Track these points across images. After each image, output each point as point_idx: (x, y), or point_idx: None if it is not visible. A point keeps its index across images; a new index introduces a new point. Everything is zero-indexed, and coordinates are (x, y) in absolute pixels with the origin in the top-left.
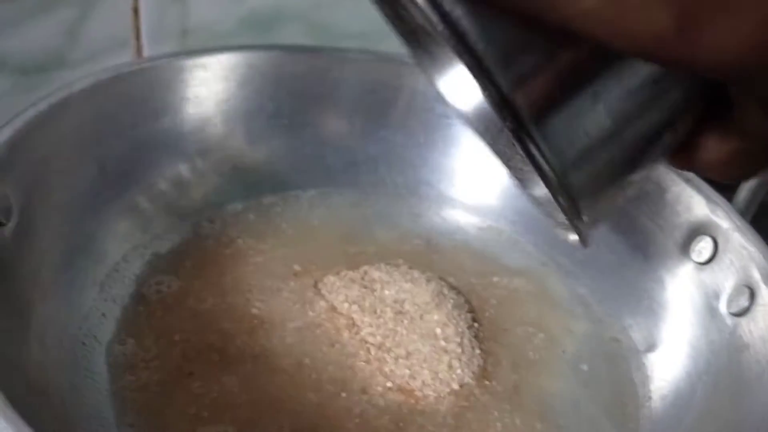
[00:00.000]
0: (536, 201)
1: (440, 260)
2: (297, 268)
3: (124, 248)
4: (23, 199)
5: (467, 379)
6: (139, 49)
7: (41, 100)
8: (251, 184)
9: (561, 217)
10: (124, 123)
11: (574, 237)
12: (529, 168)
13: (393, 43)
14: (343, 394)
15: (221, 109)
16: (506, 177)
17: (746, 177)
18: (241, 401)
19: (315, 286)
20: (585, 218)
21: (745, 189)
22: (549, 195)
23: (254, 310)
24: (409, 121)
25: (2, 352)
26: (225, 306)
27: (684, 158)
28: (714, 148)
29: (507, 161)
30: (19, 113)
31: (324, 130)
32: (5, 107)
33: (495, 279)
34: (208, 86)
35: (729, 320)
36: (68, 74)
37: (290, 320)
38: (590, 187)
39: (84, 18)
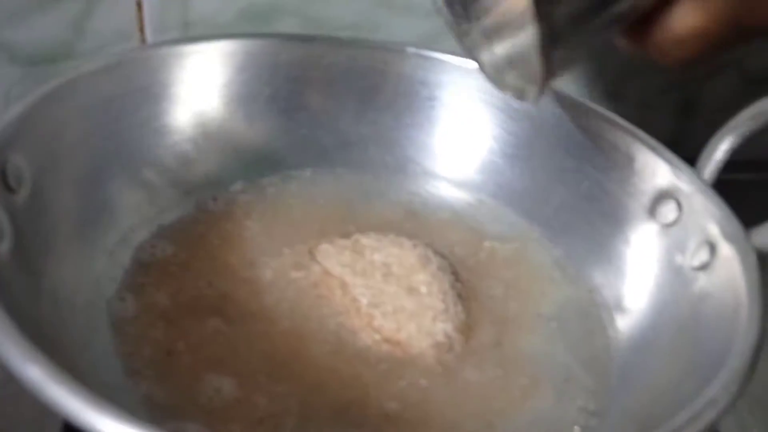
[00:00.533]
0: (488, 63)
1: (426, 230)
2: (294, 239)
3: (132, 219)
4: (35, 169)
5: (450, 332)
6: (143, 41)
7: (51, 79)
8: (250, 164)
9: (514, 76)
10: (131, 104)
11: (524, 95)
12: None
13: (381, 34)
14: (336, 346)
15: (221, 93)
16: (485, 150)
17: (692, 60)
18: (238, 354)
19: (310, 252)
20: (555, 58)
21: (707, 158)
22: (503, 52)
23: (253, 273)
24: (396, 103)
25: (19, 308)
26: (225, 270)
27: (641, 31)
28: (677, 21)
29: (461, 26)
30: (30, 91)
31: (318, 113)
32: (16, 96)
33: (477, 246)
34: (209, 71)
35: (691, 274)
36: (76, 65)
37: (286, 281)
38: (566, 23)
39: (90, 11)
